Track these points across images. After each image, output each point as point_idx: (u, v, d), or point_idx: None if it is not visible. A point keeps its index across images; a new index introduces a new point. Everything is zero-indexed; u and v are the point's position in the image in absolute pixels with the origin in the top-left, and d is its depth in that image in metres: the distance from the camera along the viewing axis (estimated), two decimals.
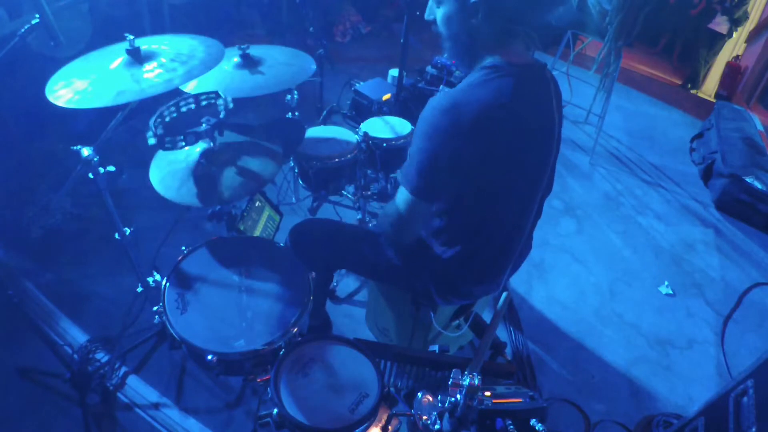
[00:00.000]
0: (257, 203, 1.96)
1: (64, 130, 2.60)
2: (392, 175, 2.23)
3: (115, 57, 1.41)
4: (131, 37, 1.39)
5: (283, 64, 1.83)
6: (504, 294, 1.55)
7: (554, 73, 3.34)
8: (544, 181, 1.33)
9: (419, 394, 1.13)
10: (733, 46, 5.36)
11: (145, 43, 1.46)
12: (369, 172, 2.15)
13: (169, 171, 1.47)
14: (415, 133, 1.18)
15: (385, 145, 2.02)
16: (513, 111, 1.11)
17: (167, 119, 1.38)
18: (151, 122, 1.32)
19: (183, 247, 1.49)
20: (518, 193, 1.30)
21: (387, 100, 2.90)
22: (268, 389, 1.18)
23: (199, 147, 1.49)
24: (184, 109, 1.42)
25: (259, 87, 1.70)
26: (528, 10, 1.14)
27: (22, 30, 1.44)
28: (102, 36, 1.61)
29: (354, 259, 1.61)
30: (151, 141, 1.31)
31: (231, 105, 1.47)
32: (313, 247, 1.60)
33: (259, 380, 1.32)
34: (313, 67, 1.86)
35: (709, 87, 5.43)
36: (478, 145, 1.13)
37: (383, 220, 1.36)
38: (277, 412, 1.15)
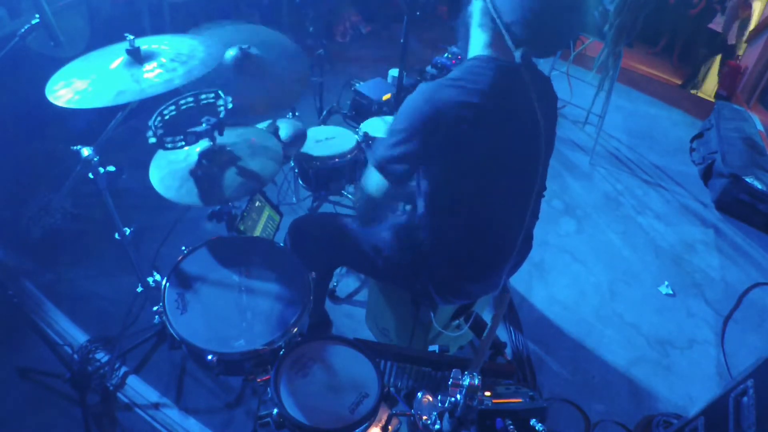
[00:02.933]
0: (257, 203, 1.96)
1: (64, 130, 2.59)
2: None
3: (115, 57, 1.41)
4: (131, 37, 1.39)
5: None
6: (504, 294, 1.55)
7: (554, 73, 3.30)
8: (536, 180, 1.33)
9: (419, 394, 1.13)
10: None
11: (145, 43, 1.46)
12: None
13: (169, 171, 1.47)
14: (397, 117, 1.22)
15: None
16: (489, 102, 1.14)
17: (167, 118, 1.38)
18: (151, 122, 1.32)
19: (183, 247, 1.49)
20: (507, 188, 1.30)
21: (387, 100, 2.89)
22: (268, 389, 1.18)
23: (199, 147, 1.49)
24: (184, 108, 1.42)
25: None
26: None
27: (22, 30, 1.44)
28: (102, 36, 1.61)
29: (353, 257, 1.61)
30: (152, 140, 1.31)
31: (231, 105, 1.47)
32: (312, 244, 1.60)
33: (259, 380, 1.32)
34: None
35: (709, 87, 5.43)
36: (455, 133, 1.15)
37: (355, 202, 1.40)
38: (277, 412, 1.15)
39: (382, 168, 1.24)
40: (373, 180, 1.28)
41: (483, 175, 1.24)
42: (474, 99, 1.13)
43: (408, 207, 1.72)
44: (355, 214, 2.24)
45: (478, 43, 1.21)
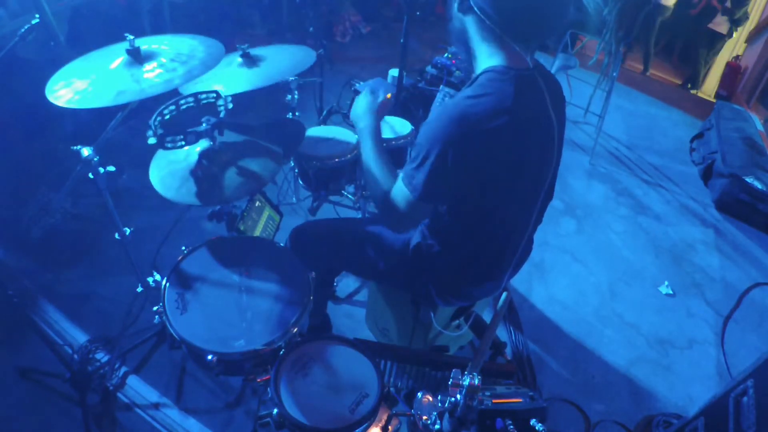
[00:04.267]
0: (257, 203, 1.96)
1: (64, 130, 2.59)
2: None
3: (115, 57, 1.41)
4: (131, 37, 1.39)
5: (282, 57, 1.88)
6: (504, 294, 1.55)
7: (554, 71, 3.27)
8: (546, 185, 1.32)
9: (419, 394, 1.12)
10: (733, 46, 5.37)
11: (145, 43, 1.46)
12: None
13: (169, 171, 1.47)
14: (421, 140, 1.17)
15: (385, 145, 2.02)
16: (515, 115, 1.12)
17: (167, 118, 1.37)
18: (151, 121, 1.32)
19: (183, 247, 1.49)
20: (519, 196, 1.29)
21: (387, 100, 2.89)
22: (268, 389, 1.18)
23: (199, 147, 1.49)
24: (184, 108, 1.42)
25: (261, 79, 1.73)
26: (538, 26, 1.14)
27: (22, 30, 1.44)
28: (102, 36, 1.61)
29: (354, 261, 1.61)
30: (152, 140, 1.31)
31: (231, 105, 1.47)
32: (313, 250, 1.60)
33: (259, 380, 1.32)
34: (314, 59, 1.89)
35: (709, 87, 5.43)
36: (485, 151, 1.13)
37: (383, 212, 1.35)
38: (277, 412, 1.15)
39: (418, 194, 1.19)
40: (403, 199, 1.24)
41: (499, 185, 1.22)
42: (501, 119, 1.10)
43: None
44: (358, 207, 2.25)
45: (485, 56, 1.18)
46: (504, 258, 1.41)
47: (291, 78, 1.92)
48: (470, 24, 1.17)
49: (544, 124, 1.22)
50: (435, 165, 1.14)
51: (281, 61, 1.88)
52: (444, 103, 1.19)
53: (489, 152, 1.13)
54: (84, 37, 2.42)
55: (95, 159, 1.44)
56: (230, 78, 1.74)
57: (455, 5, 1.17)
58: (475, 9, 1.12)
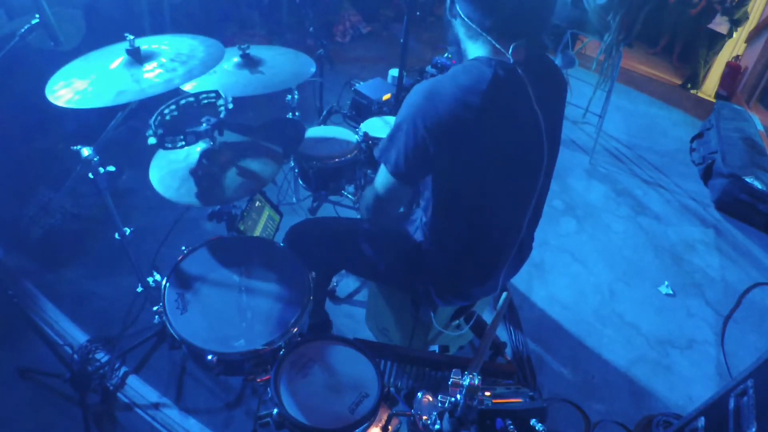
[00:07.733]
0: (257, 203, 1.96)
1: (64, 130, 2.59)
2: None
3: (115, 57, 1.41)
4: (131, 37, 1.39)
5: (282, 64, 1.84)
6: (504, 294, 1.55)
7: None
8: (538, 182, 1.32)
9: (419, 394, 1.12)
10: (733, 46, 5.37)
11: (145, 43, 1.46)
12: (369, 172, 2.15)
13: (169, 170, 1.47)
14: (398, 115, 1.22)
15: None
16: (489, 99, 1.13)
17: (167, 118, 1.38)
18: (152, 121, 1.32)
19: (183, 247, 1.49)
20: (511, 191, 1.29)
21: (387, 100, 2.89)
22: (268, 389, 1.18)
23: (199, 147, 1.49)
24: (184, 108, 1.42)
25: (261, 86, 1.71)
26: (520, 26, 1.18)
27: (22, 30, 1.44)
28: (102, 36, 1.61)
29: (353, 260, 1.61)
30: (152, 140, 1.31)
31: (231, 105, 1.47)
32: (310, 248, 1.60)
33: (259, 380, 1.32)
34: (313, 68, 1.86)
35: (709, 87, 5.43)
36: (456, 129, 1.15)
37: (362, 202, 1.42)
38: (277, 412, 1.15)
39: (392, 168, 1.24)
40: (381, 177, 1.29)
41: (484, 177, 1.23)
42: (473, 98, 1.12)
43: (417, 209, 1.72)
44: (358, 207, 2.25)
45: (471, 52, 1.24)
46: (502, 256, 1.41)
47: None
48: (458, 26, 1.24)
49: (526, 116, 1.21)
50: (406, 139, 1.18)
51: (281, 68, 1.85)
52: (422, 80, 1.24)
53: (460, 132, 1.15)
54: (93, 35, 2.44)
55: (95, 159, 1.44)
56: (229, 83, 1.72)
57: (447, 11, 1.25)
58: (460, 13, 1.19)
